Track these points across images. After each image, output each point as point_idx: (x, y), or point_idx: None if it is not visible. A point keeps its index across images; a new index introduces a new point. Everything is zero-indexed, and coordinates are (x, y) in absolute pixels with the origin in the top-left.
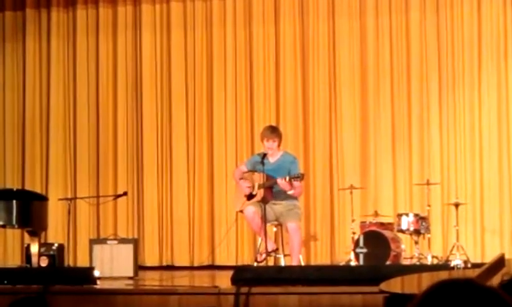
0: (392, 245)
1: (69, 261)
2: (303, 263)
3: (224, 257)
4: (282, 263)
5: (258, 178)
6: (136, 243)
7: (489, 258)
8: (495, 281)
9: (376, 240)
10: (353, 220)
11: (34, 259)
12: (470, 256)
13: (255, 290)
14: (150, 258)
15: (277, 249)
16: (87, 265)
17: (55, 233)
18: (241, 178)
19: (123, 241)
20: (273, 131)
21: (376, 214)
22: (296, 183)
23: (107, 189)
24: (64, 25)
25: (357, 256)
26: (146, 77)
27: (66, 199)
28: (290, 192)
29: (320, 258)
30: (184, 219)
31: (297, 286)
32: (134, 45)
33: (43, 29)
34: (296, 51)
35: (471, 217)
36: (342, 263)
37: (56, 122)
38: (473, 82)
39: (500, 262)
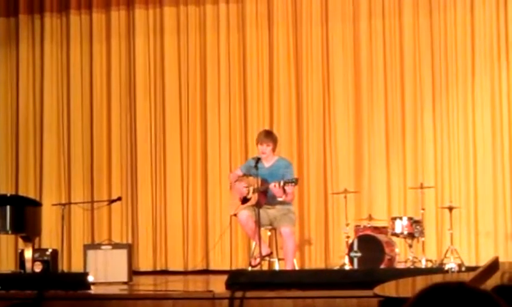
0: (386, 249)
1: (63, 266)
2: (297, 267)
3: (219, 261)
4: (276, 267)
5: (253, 182)
6: (130, 248)
7: (484, 261)
8: (490, 283)
9: (370, 244)
10: (347, 224)
11: (28, 265)
12: (464, 260)
13: (249, 294)
14: (144, 262)
15: (271, 253)
16: (81, 270)
17: (49, 239)
18: (236, 182)
19: (117, 246)
20: (267, 135)
21: (370, 218)
22: (288, 189)
23: (101, 194)
24: (57, 30)
25: (351, 260)
26: (140, 81)
27: (60, 204)
28: (280, 199)
29: (315, 262)
30: (178, 223)
31: (291, 290)
32: (127, 50)
33: (37, 35)
34: (289, 55)
35: (465, 221)
36: (337, 267)
37: (49, 127)
38: (466, 85)
39: (494, 265)
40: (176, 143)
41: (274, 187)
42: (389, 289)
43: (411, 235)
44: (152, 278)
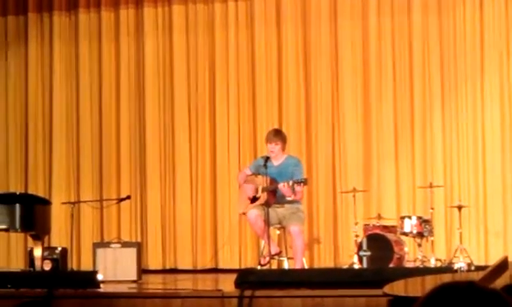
0: (395, 248)
1: (72, 264)
2: (306, 266)
3: (228, 260)
4: (286, 266)
5: (262, 181)
6: (139, 246)
7: (493, 260)
8: (499, 283)
9: (379, 243)
10: (356, 223)
11: (38, 263)
12: (473, 259)
13: (258, 293)
14: (153, 261)
15: (280, 252)
16: (90, 268)
17: (58, 237)
18: (245, 181)
19: (126, 244)
20: (276, 134)
21: (379, 217)
22: (297, 188)
23: (111, 193)
24: (66, 29)
25: (360, 259)
26: (149, 80)
27: (70, 202)
28: (289, 198)
29: (324, 261)
30: (187, 222)
31: (300, 289)
32: (136, 49)
33: (46, 33)
34: (298, 53)
35: (474, 220)
36: (346, 266)
37: (59, 126)
38: (475, 83)
39: (503, 264)
40: (185, 142)
41: (283, 187)
42: (398, 288)
43: (420, 234)
44: (161, 277)
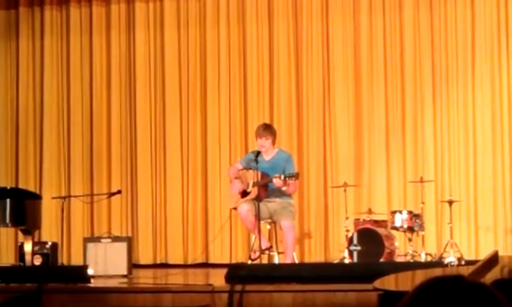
0: (386, 243)
1: (63, 259)
2: (296, 261)
3: (218, 255)
4: (276, 260)
5: (253, 176)
6: (130, 241)
7: (483, 255)
8: (489, 277)
9: (370, 238)
10: (347, 218)
11: (28, 258)
12: (463, 253)
13: (249, 287)
14: (144, 256)
15: (271, 247)
16: (81, 263)
17: (49, 232)
18: (236, 176)
19: (117, 239)
20: (266, 129)
21: (370, 212)
22: (290, 182)
23: (101, 187)
24: (57, 23)
25: (351, 253)
26: (140, 75)
27: (60, 197)
28: (283, 189)
29: (314, 255)
30: (178, 217)
31: (291, 283)
32: (127, 44)
33: (37, 28)
34: (289, 49)
35: (465, 215)
36: (336, 261)
37: (49, 120)
38: (467, 79)
39: (493, 259)
40: (176, 136)
41: (277, 181)
42: (389, 283)
43: (410, 229)
44: (151, 271)
